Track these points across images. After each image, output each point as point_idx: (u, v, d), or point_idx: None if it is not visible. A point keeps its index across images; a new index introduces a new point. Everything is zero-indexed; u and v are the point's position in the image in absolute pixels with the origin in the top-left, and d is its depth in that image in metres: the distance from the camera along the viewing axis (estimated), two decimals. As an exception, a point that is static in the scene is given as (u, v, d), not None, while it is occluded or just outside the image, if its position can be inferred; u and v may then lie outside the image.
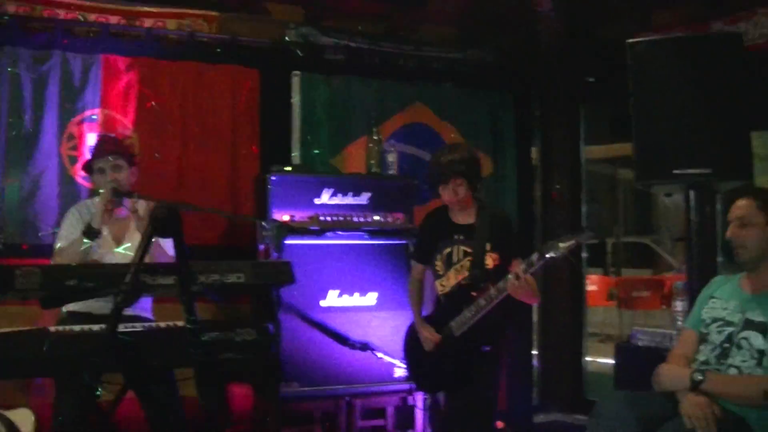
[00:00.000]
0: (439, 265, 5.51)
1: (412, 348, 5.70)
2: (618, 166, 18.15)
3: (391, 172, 6.64)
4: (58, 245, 5.20)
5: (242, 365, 4.71)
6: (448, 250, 5.48)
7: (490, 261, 5.36)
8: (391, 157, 6.68)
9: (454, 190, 5.40)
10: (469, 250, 5.41)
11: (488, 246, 5.37)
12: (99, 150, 5.32)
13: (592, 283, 15.07)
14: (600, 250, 17.88)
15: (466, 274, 5.35)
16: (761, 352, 4.14)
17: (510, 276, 5.02)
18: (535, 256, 4.94)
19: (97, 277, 4.13)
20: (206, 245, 6.44)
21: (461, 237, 5.45)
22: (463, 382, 5.40)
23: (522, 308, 7.45)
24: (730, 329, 4.30)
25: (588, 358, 8.66)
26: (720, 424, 4.07)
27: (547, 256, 4.90)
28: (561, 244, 4.87)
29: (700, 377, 4.14)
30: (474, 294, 5.25)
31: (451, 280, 5.44)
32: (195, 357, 3.99)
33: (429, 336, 5.45)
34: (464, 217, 5.50)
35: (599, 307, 15.18)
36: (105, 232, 5.14)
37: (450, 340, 5.38)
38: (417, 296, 5.71)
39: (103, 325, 4.01)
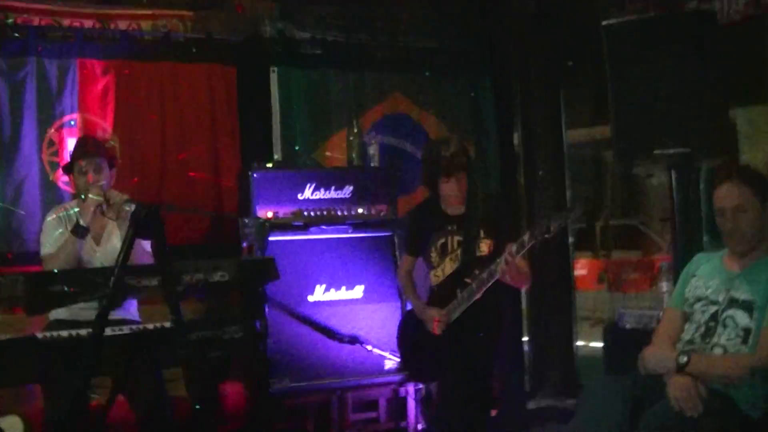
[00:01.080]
0: (434, 256, 5.53)
1: (407, 336, 5.71)
2: (603, 149, 18.12)
3: (372, 164, 6.64)
4: (44, 251, 5.17)
5: (231, 363, 4.72)
6: (443, 240, 5.51)
7: (484, 247, 5.37)
8: (372, 149, 6.68)
9: (457, 183, 5.42)
10: (462, 239, 5.44)
11: (482, 233, 5.39)
12: (80, 151, 5.29)
13: (582, 267, 15.10)
14: (589, 234, 17.88)
15: None
16: (746, 330, 4.14)
17: (499, 260, 5.03)
18: (526, 236, 4.94)
19: (81, 282, 4.13)
20: (190, 244, 6.44)
21: (454, 227, 5.47)
22: (460, 369, 5.41)
23: (511, 295, 7.51)
24: (714, 308, 4.29)
25: (579, 342, 8.67)
26: (706, 404, 4.08)
27: (539, 237, 4.91)
28: (552, 224, 4.86)
29: (685, 359, 4.14)
30: (468, 280, 5.27)
31: (447, 269, 5.47)
32: (183, 357, 4.00)
33: (436, 314, 5.43)
34: (456, 207, 5.51)
35: (590, 290, 15.18)
36: None
37: (448, 326, 5.40)
38: (411, 285, 5.73)
39: (90, 330, 4.01)
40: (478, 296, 5.24)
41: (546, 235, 4.90)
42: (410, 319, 5.69)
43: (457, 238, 5.46)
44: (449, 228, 5.49)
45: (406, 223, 6.05)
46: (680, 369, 4.12)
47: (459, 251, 5.42)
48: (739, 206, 4.26)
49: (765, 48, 9.57)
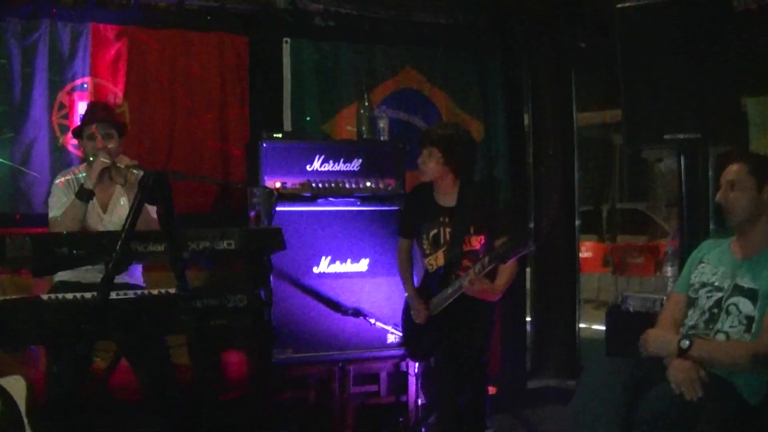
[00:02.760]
0: (426, 245, 5.62)
1: (407, 318, 5.80)
2: (613, 132, 18.11)
3: (382, 138, 6.62)
4: (52, 214, 5.19)
5: (234, 331, 4.74)
6: (435, 231, 5.59)
7: (475, 243, 5.45)
8: (382, 123, 6.66)
9: (428, 157, 5.46)
10: (452, 231, 5.49)
11: (472, 228, 5.44)
12: (90, 116, 5.31)
13: (587, 250, 15.12)
14: (595, 217, 17.89)
15: None
16: (750, 318, 4.16)
17: (465, 276, 5.11)
18: (486, 260, 5.06)
19: (87, 245, 4.15)
20: (198, 213, 6.46)
21: (446, 219, 5.53)
22: (454, 350, 5.47)
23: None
24: (719, 294, 4.32)
25: (582, 325, 8.69)
26: (706, 389, 4.09)
27: (496, 261, 5.09)
28: (507, 253, 4.99)
29: (687, 343, 4.15)
30: (459, 273, 5.34)
31: (440, 260, 5.53)
32: (187, 324, 4.01)
33: (419, 308, 5.54)
34: (448, 199, 5.57)
35: (594, 273, 15.21)
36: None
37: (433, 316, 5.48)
38: (407, 269, 5.83)
39: (95, 293, 4.03)
40: (453, 298, 5.37)
41: (503, 262, 5.05)
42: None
43: (449, 230, 5.51)
44: (441, 219, 5.55)
45: (402, 204, 6.09)
46: (682, 353, 4.14)
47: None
48: (734, 182, 4.32)
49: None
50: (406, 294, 5.85)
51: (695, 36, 5.62)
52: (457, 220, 5.49)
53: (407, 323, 5.84)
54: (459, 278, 5.35)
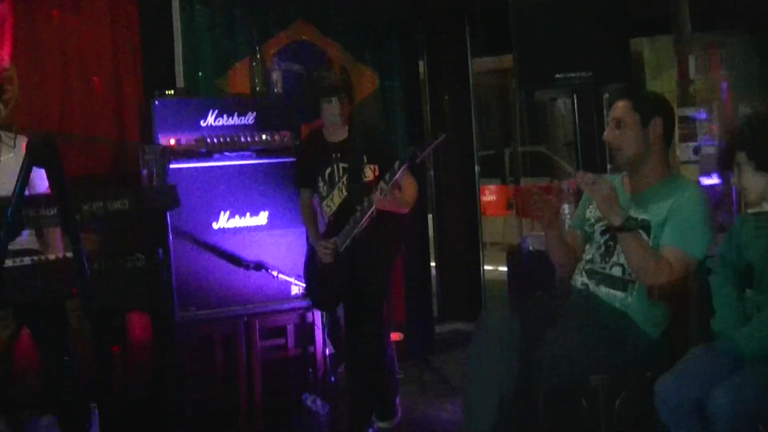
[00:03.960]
0: (322, 186, 5.60)
1: (310, 269, 5.80)
2: (511, 77, 18.21)
3: (276, 90, 6.59)
4: None
5: (134, 292, 4.70)
6: (329, 170, 5.57)
7: (369, 173, 5.42)
8: (276, 76, 6.62)
9: (339, 105, 5.45)
10: (347, 166, 5.48)
11: (365, 158, 5.44)
12: None
13: (491, 194, 15.25)
14: (498, 161, 18.02)
15: None
16: (645, 248, 4.25)
17: (376, 188, 5.09)
18: (396, 165, 5.00)
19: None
20: (93, 174, 6.36)
21: (338, 155, 5.53)
22: (355, 294, 5.50)
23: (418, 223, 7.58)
24: (613, 228, 4.38)
25: (488, 267, 8.80)
26: (606, 324, 4.18)
27: (407, 163, 4.97)
28: (418, 152, 4.93)
29: (632, 223, 4.18)
30: (358, 208, 5.33)
31: (336, 199, 5.53)
32: (84, 287, 3.96)
33: (326, 245, 5.53)
34: (338, 135, 5.57)
35: (499, 216, 15.36)
36: None
37: (340, 254, 5.47)
38: (309, 217, 5.82)
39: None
40: (363, 224, 5.31)
41: (414, 161, 4.96)
42: (311, 251, 5.82)
43: (342, 165, 5.51)
44: (334, 156, 5.54)
45: (296, 155, 6.09)
46: (621, 227, 4.16)
47: (345, 179, 5.48)
48: (619, 119, 4.38)
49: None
50: (311, 239, 5.82)
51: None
52: (349, 153, 5.49)
53: (311, 272, 5.84)
54: (361, 209, 5.33)
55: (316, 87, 5.54)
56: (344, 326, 5.88)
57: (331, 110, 5.49)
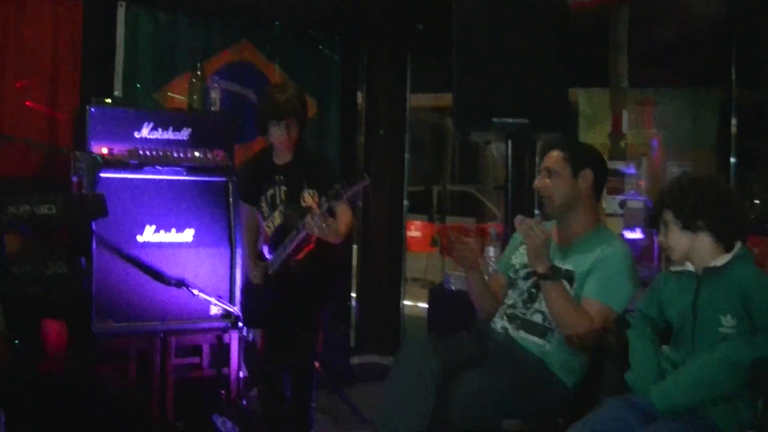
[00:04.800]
0: (264, 207, 5.58)
1: (246, 283, 5.81)
2: (447, 116, 18.35)
3: (213, 109, 6.57)
4: None
5: (53, 299, 4.64)
6: (272, 191, 5.55)
7: (309, 199, 5.41)
8: (214, 94, 6.60)
9: (287, 129, 5.44)
10: (287, 189, 5.47)
11: (305, 183, 5.43)
12: None
13: (416, 230, 15.28)
14: (426, 198, 18.11)
15: None
16: (567, 300, 4.28)
17: (306, 217, 5.08)
18: (323, 199, 4.99)
19: None
20: (21, 176, 6.28)
21: (281, 177, 5.51)
22: (286, 320, 5.48)
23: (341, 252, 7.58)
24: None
25: (409, 303, 8.83)
26: (522, 371, 4.21)
27: (332, 200, 4.97)
28: (342, 190, 4.92)
29: (560, 271, 4.25)
30: (294, 233, 5.32)
31: (276, 220, 5.51)
32: (3, 290, 3.92)
33: (253, 266, 5.55)
34: (284, 158, 5.55)
35: (423, 253, 15.40)
36: None
37: (270, 277, 5.46)
38: (250, 234, 5.79)
39: None
40: (291, 249, 5.30)
41: (339, 200, 4.97)
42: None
43: (284, 188, 5.50)
44: (277, 178, 5.53)
45: (239, 171, 6.06)
46: (546, 275, 4.19)
47: (287, 202, 5.47)
48: (551, 169, 4.44)
49: (609, 37, 9.89)
50: (246, 256, 5.81)
51: (529, 27, 5.76)
52: (292, 176, 5.47)
53: (246, 288, 5.82)
54: (291, 235, 5.31)
55: (267, 106, 5.52)
56: (262, 349, 5.85)
57: (279, 133, 5.46)
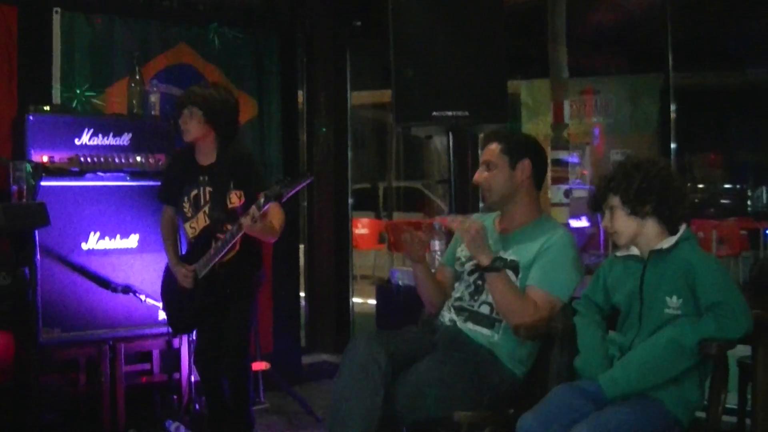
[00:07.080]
0: (187, 207, 5.51)
1: (167, 290, 5.71)
2: (388, 112, 18.40)
3: (153, 113, 6.54)
4: None
5: (-2, 311, 4.61)
6: (195, 192, 5.49)
7: (235, 199, 5.37)
8: (154, 98, 6.58)
9: (189, 117, 5.40)
10: (212, 191, 5.43)
11: (232, 183, 5.40)
12: None
13: (363, 227, 15.32)
14: (372, 195, 18.15)
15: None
16: (514, 290, 4.31)
17: (245, 216, 5.04)
18: (262, 200, 4.97)
19: None
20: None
21: (206, 178, 5.46)
22: (213, 322, 5.45)
23: (289, 253, 7.58)
24: (483, 267, 4.44)
25: (358, 300, 8.84)
26: (472, 363, 4.23)
27: (272, 199, 4.93)
28: (284, 190, 4.91)
29: (500, 264, 4.24)
30: (219, 236, 5.28)
31: (200, 222, 5.46)
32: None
33: (184, 271, 5.47)
34: (207, 158, 5.50)
35: (371, 250, 15.44)
36: None
37: (199, 281, 5.42)
38: (170, 237, 5.70)
39: None
40: (225, 252, 5.29)
41: (279, 200, 4.95)
42: (169, 273, 5.70)
43: (209, 189, 5.45)
44: (201, 179, 5.48)
45: (164, 170, 6.03)
46: (490, 266, 4.21)
47: (211, 203, 5.43)
48: (489, 161, 4.46)
49: (548, 27, 9.97)
50: (169, 261, 5.68)
51: (467, 21, 5.76)
52: (217, 177, 5.42)
53: (168, 294, 5.73)
54: (223, 237, 5.27)
55: (178, 97, 5.52)
56: (194, 353, 5.79)
57: (180, 121, 5.43)
